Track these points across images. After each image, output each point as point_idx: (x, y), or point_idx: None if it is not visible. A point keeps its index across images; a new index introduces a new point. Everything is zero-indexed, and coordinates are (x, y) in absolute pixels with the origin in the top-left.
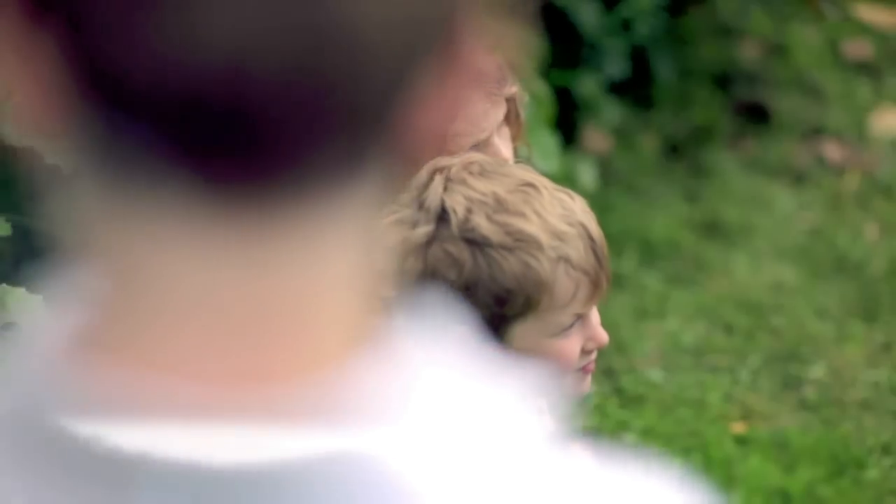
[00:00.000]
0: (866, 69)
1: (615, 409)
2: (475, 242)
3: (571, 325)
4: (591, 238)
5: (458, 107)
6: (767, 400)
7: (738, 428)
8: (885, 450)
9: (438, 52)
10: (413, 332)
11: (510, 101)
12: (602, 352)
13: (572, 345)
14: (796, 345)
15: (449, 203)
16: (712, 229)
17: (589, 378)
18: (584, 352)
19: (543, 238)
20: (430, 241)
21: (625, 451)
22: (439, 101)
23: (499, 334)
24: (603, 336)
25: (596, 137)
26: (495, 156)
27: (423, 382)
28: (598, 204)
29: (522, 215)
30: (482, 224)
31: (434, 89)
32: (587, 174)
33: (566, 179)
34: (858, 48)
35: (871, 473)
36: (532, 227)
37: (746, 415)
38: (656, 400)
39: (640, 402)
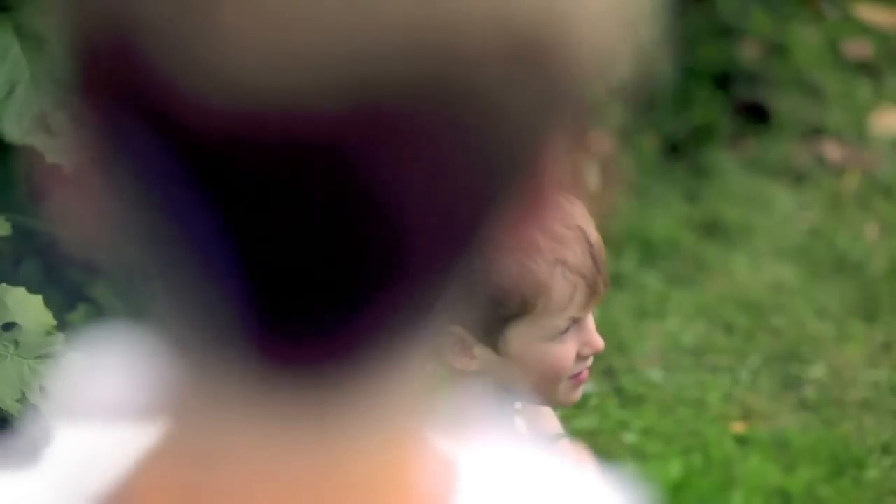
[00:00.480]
0: (866, 69)
1: (615, 408)
2: None
3: (567, 330)
4: (588, 242)
5: (531, 232)
6: (767, 400)
7: (738, 428)
8: (885, 449)
9: (518, 188)
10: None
11: None
12: (602, 352)
13: (568, 349)
14: (796, 344)
15: None
16: (712, 229)
17: (581, 388)
18: (580, 357)
19: (541, 240)
20: None
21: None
22: (515, 230)
23: (495, 337)
24: (599, 342)
25: (596, 137)
26: None
27: None
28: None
29: None
30: None
31: (511, 221)
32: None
33: None
34: (858, 48)
35: (871, 473)
36: None
37: (746, 415)
38: (656, 400)
39: (640, 402)
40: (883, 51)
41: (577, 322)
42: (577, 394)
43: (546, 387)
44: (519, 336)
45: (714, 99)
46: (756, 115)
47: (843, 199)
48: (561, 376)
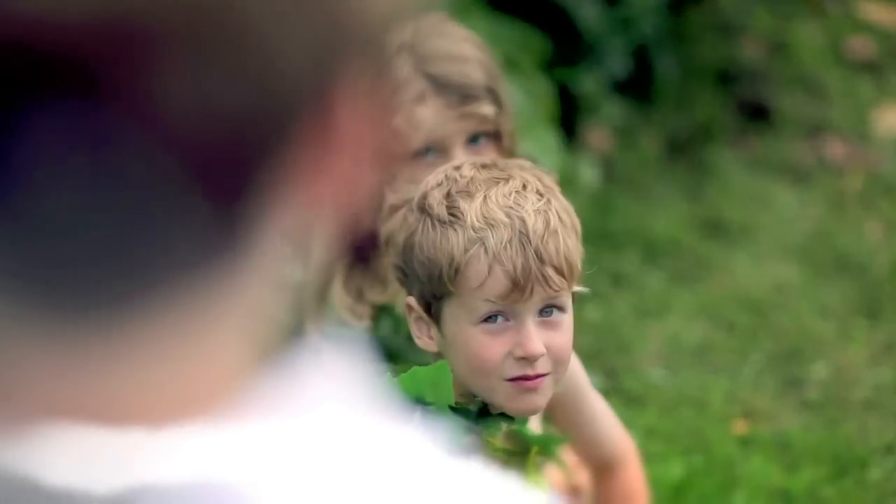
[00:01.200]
0: (869, 67)
1: (617, 408)
2: (424, 212)
3: (493, 318)
4: (525, 235)
5: (328, 179)
6: (769, 399)
7: (740, 428)
8: (889, 450)
9: (300, 130)
10: (312, 369)
11: (499, 126)
12: (603, 351)
13: (496, 343)
14: (799, 344)
15: (431, 179)
16: (714, 228)
17: (532, 397)
18: (514, 357)
19: (471, 219)
20: (401, 206)
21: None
22: (306, 174)
23: (437, 315)
24: (532, 346)
25: (597, 135)
26: None
27: (306, 418)
28: (600, 202)
29: (471, 197)
30: (436, 197)
31: (300, 165)
32: (588, 172)
33: (567, 178)
34: (861, 46)
35: (874, 474)
36: (469, 207)
37: (748, 414)
38: (658, 399)
39: (641, 402)
40: (886, 49)
41: (507, 316)
42: (528, 402)
43: (477, 380)
44: (451, 315)
45: (716, 97)
46: (758, 114)
47: (846, 198)
48: (486, 369)
